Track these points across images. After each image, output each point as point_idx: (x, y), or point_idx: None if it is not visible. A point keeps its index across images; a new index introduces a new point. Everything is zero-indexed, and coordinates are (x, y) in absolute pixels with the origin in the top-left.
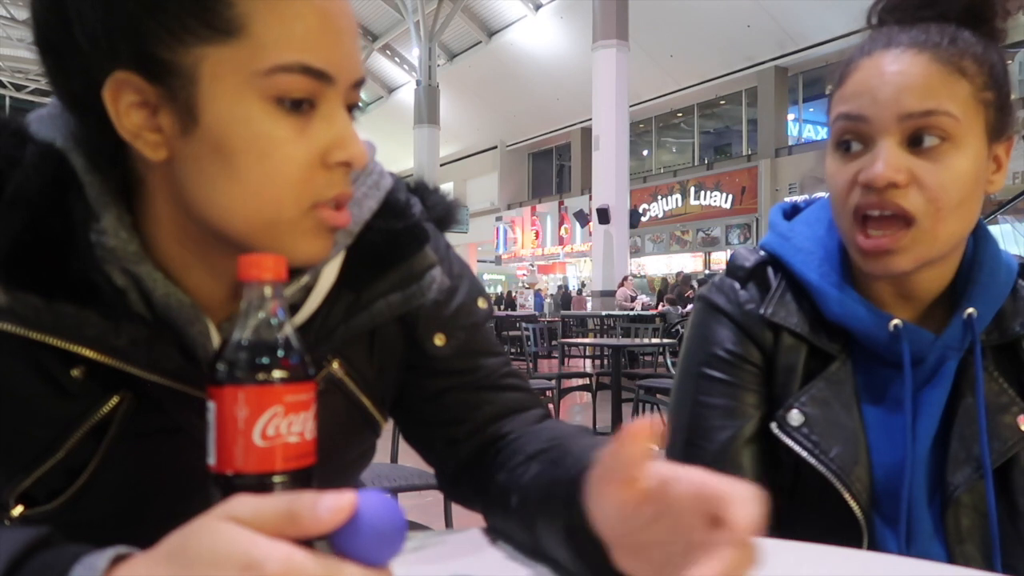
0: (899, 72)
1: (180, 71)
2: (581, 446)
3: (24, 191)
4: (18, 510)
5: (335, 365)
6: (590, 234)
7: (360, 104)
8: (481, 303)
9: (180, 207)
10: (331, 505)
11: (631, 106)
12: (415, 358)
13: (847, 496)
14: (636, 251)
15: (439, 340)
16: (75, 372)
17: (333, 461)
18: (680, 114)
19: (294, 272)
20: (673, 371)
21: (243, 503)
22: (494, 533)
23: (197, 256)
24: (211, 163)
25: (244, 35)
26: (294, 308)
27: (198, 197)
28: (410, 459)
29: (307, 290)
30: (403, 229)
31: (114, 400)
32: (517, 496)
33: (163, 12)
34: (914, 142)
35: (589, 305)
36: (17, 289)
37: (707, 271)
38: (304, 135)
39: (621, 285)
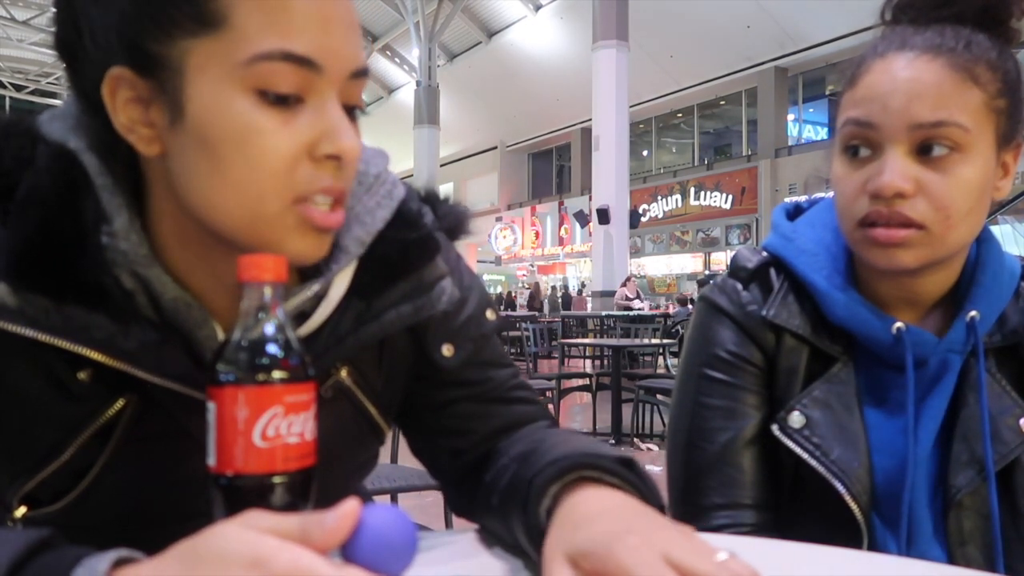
0: (911, 79)
1: (168, 64)
2: (551, 446)
3: (36, 192)
4: (21, 511)
5: (343, 373)
6: (590, 234)
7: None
8: (490, 314)
9: (177, 205)
10: (337, 514)
11: (631, 106)
12: (423, 368)
13: (847, 498)
14: (636, 251)
15: (447, 351)
16: (81, 375)
17: (337, 468)
18: (680, 114)
19: (305, 279)
20: (672, 372)
21: (258, 515)
22: (488, 534)
23: (199, 257)
24: (196, 155)
25: (227, 26)
26: (305, 316)
27: (188, 191)
28: (410, 459)
29: (318, 299)
30: (415, 240)
31: (119, 403)
32: (496, 496)
33: (150, 6)
34: (923, 151)
35: (589, 306)
36: (27, 291)
37: (707, 271)
38: (289, 126)
39: (623, 285)
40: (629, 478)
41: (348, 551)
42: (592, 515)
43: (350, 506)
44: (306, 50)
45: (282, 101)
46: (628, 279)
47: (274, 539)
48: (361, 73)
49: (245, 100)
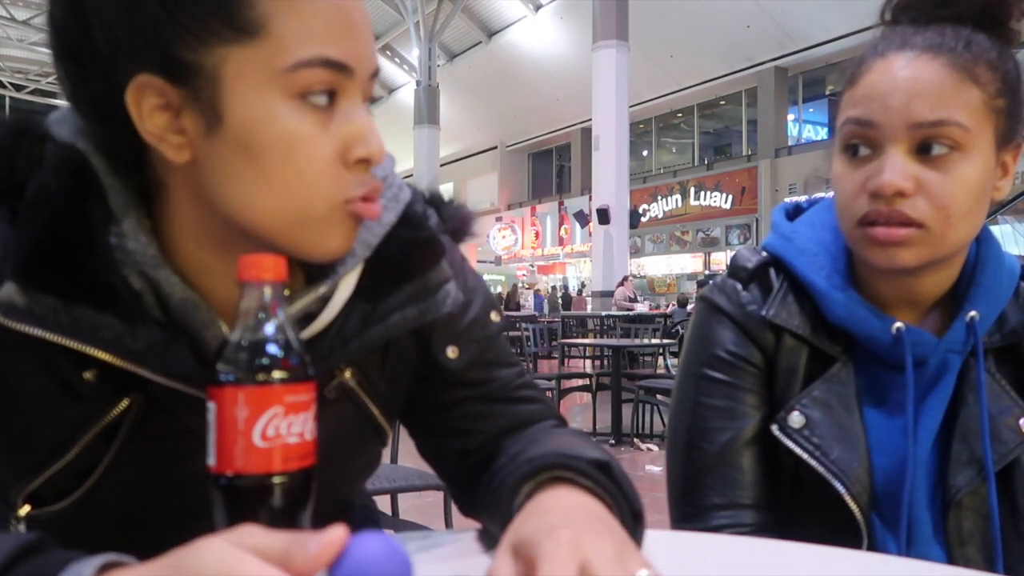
0: (911, 78)
1: (203, 72)
2: (537, 446)
3: (45, 193)
4: (25, 510)
5: (348, 374)
6: (590, 234)
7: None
8: (494, 316)
9: (203, 208)
10: (322, 540)
11: (631, 106)
12: (428, 369)
13: (847, 498)
14: (636, 251)
15: (452, 353)
16: (87, 375)
17: (339, 469)
18: (680, 114)
19: (311, 281)
20: (672, 372)
21: (248, 532)
22: (488, 534)
23: (219, 258)
24: (237, 162)
25: (265, 34)
26: (310, 317)
27: (225, 196)
28: (410, 459)
29: (324, 301)
30: (420, 242)
31: (124, 403)
32: (489, 495)
33: (186, 15)
34: (923, 150)
35: (589, 306)
36: (36, 290)
37: (707, 271)
38: (327, 131)
39: (620, 285)
40: (602, 481)
41: None
42: (545, 510)
43: (336, 533)
44: (340, 55)
45: (322, 106)
46: (625, 279)
47: (254, 561)
48: (376, 73)
49: (287, 107)
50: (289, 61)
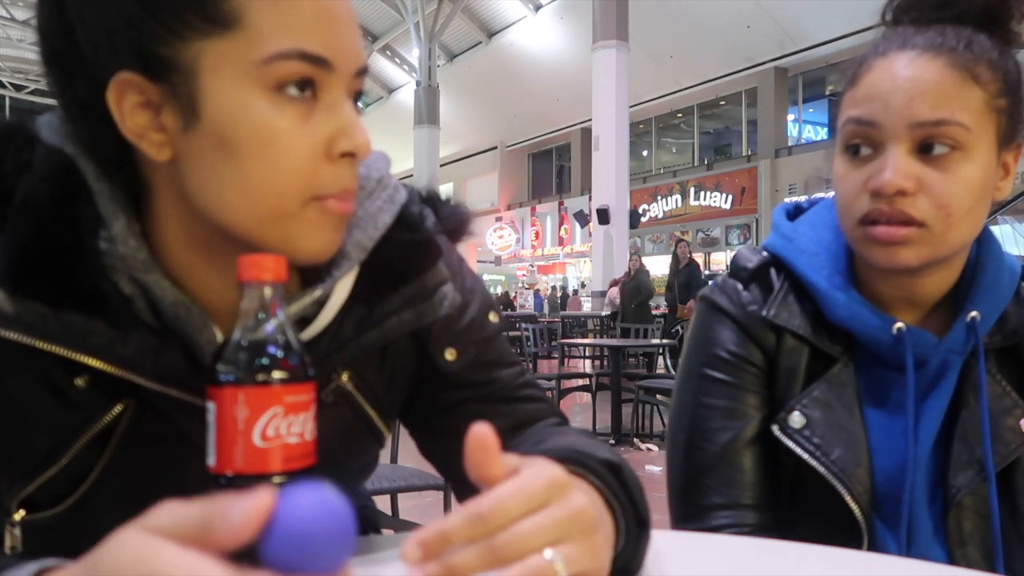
0: (912, 78)
1: (180, 67)
2: (547, 443)
3: (33, 198)
4: (20, 514)
5: (345, 377)
6: (590, 235)
7: (363, 95)
8: (492, 317)
9: (187, 208)
10: (243, 508)
11: (631, 106)
12: (427, 371)
13: (848, 498)
14: (636, 252)
15: (450, 355)
16: (79, 381)
17: (336, 472)
18: (680, 114)
19: (307, 284)
20: (672, 372)
21: (164, 512)
22: None
23: (206, 260)
24: (214, 156)
25: (241, 26)
26: (306, 321)
27: (203, 193)
28: (410, 459)
29: (320, 304)
30: (417, 244)
31: (118, 408)
32: None
33: (161, 9)
34: (924, 149)
35: (588, 306)
36: (24, 297)
37: (706, 271)
38: (307, 124)
39: (613, 285)
40: (611, 483)
41: (264, 548)
42: None
43: (261, 500)
44: (319, 49)
45: (300, 95)
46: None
47: (170, 549)
48: (363, 71)
49: (264, 99)
50: (265, 53)
